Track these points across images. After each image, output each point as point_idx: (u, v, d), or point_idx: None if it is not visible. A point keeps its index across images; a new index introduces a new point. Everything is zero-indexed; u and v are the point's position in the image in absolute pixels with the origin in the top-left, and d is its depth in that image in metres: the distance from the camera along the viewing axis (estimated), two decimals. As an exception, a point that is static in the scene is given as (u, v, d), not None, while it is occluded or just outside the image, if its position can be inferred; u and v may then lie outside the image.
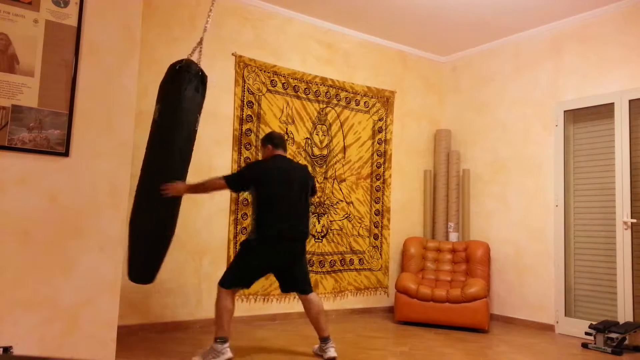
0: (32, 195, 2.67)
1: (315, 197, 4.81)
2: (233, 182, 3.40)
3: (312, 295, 3.54)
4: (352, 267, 5.23)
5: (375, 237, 5.44)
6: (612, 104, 4.49)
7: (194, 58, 3.12)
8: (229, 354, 3.29)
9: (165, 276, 4.13)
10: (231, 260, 3.56)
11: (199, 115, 3.12)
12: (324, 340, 3.53)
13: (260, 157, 4.69)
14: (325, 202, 5.06)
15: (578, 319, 4.57)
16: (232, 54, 4.59)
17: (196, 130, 3.12)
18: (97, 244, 2.84)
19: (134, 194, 3.09)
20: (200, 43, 3.18)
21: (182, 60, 3.05)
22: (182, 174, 3.09)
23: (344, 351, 3.74)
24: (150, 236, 3.02)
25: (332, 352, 3.48)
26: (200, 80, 3.05)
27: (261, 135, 4.70)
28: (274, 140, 3.61)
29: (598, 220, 4.55)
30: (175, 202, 3.11)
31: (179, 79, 2.99)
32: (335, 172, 5.16)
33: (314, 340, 4.01)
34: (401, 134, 5.72)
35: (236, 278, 3.38)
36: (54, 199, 2.73)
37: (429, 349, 3.91)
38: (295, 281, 3.52)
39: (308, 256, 4.93)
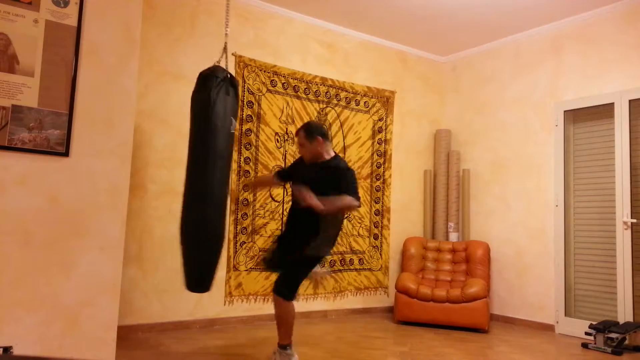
0: (32, 195, 2.67)
1: None
2: (358, 195, 3.20)
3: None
4: (352, 267, 5.23)
5: (375, 237, 5.44)
6: (612, 104, 4.49)
7: (221, 64, 3.08)
8: (296, 356, 3.31)
9: (165, 276, 4.13)
10: (298, 271, 3.33)
11: (234, 118, 3.04)
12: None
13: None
14: (325, 202, 5.05)
15: (578, 319, 4.57)
16: (232, 54, 4.59)
17: (234, 134, 3.06)
18: (97, 244, 2.84)
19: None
20: (225, 49, 3.13)
21: (209, 68, 3.01)
22: (224, 180, 3.00)
23: (344, 351, 3.74)
24: (201, 244, 2.94)
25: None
26: (230, 83, 3.01)
27: (261, 135, 4.71)
28: (322, 131, 3.35)
29: (598, 220, 4.55)
30: (224, 206, 3.01)
31: (207, 85, 2.92)
32: (335, 172, 5.16)
33: (314, 340, 4.02)
34: (401, 134, 5.72)
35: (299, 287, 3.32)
36: (54, 199, 2.73)
37: (429, 349, 3.92)
38: None
39: (308, 256, 4.93)
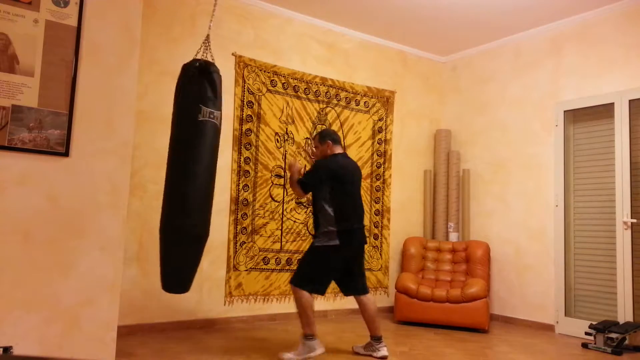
0: (32, 195, 2.67)
1: None
2: (308, 185, 3.52)
3: (370, 294, 3.75)
4: (352, 267, 5.22)
5: (375, 237, 5.44)
6: (612, 104, 4.49)
7: (199, 56, 3.10)
8: (322, 348, 3.45)
9: (165, 276, 4.12)
10: (303, 261, 3.64)
11: (205, 105, 2.91)
12: (377, 339, 3.63)
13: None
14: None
15: (578, 319, 4.57)
16: (232, 54, 4.59)
17: (202, 121, 2.89)
18: (97, 244, 2.84)
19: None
20: (206, 40, 3.15)
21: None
22: (190, 169, 2.88)
23: (343, 351, 3.74)
24: (167, 243, 2.91)
25: (384, 351, 3.59)
26: (201, 71, 2.98)
27: (261, 135, 4.71)
28: (333, 136, 3.74)
29: (598, 220, 4.55)
30: (189, 200, 2.92)
31: (179, 76, 3.03)
32: (335, 172, 5.15)
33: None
34: (401, 134, 5.72)
35: (315, 282, 3.48)
36: (54, 199, 2.73)
37: (429, 349, 3.91)
38: (357, 279, 3.69)
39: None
